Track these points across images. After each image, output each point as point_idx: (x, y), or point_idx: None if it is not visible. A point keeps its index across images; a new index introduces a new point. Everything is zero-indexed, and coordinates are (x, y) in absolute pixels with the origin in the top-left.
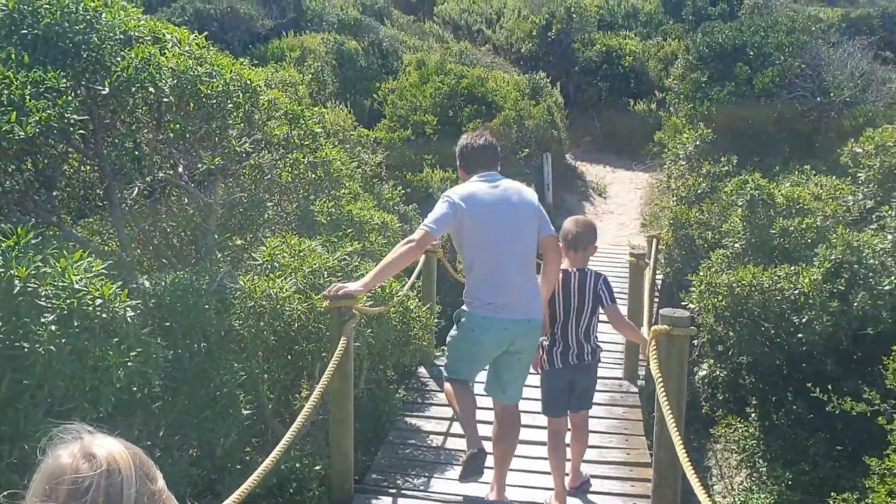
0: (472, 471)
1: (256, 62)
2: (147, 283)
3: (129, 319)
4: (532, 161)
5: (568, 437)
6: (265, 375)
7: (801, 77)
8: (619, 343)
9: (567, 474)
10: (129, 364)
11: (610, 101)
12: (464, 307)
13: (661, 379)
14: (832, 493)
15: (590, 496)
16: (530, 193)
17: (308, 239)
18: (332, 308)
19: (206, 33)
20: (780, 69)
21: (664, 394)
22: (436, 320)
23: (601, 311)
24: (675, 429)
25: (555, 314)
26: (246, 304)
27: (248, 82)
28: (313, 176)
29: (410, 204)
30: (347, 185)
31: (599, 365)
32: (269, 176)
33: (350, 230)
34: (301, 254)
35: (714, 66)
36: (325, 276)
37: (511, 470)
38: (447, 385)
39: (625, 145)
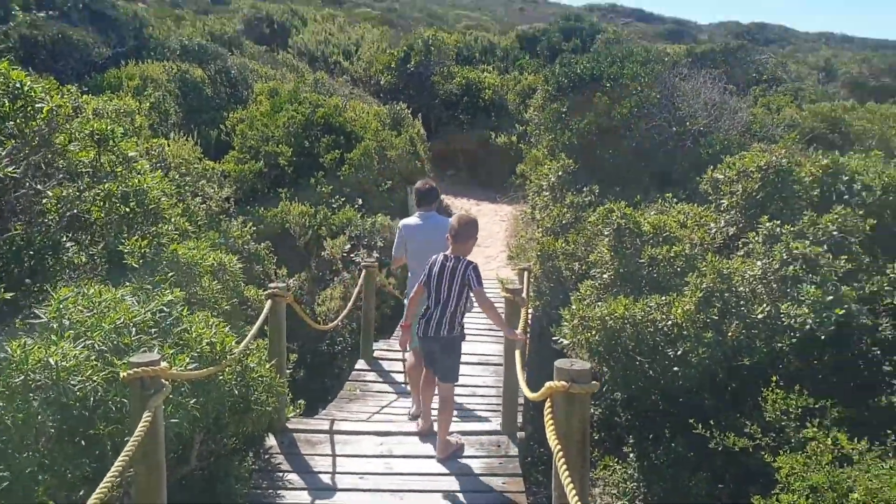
0: None
1: (87, 91)
2: None
3: None
4: (395, 194)
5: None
6: (43, 476)
7: (658, 107)
8: (495, 387)
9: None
10: None
11: (472, 134)
12: None
13: (560, 449)
14: None
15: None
16: (445, 222)
17: (114, 287)
18: (130, 380)
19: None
20: (638, 99)
21: (565, 467)
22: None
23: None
24: None
25: (430, 291)
26: (12, 380)
27: (19, 85)
28: (125, 210)
29: (263, 242)
30: (173, 220)
31: (473, 415)
32: (74, 210)
33: (172, 274)
34: (101, 306)
35: (573, 97)
36: (134, 333)
37: None
38: None
39: (488, 177)
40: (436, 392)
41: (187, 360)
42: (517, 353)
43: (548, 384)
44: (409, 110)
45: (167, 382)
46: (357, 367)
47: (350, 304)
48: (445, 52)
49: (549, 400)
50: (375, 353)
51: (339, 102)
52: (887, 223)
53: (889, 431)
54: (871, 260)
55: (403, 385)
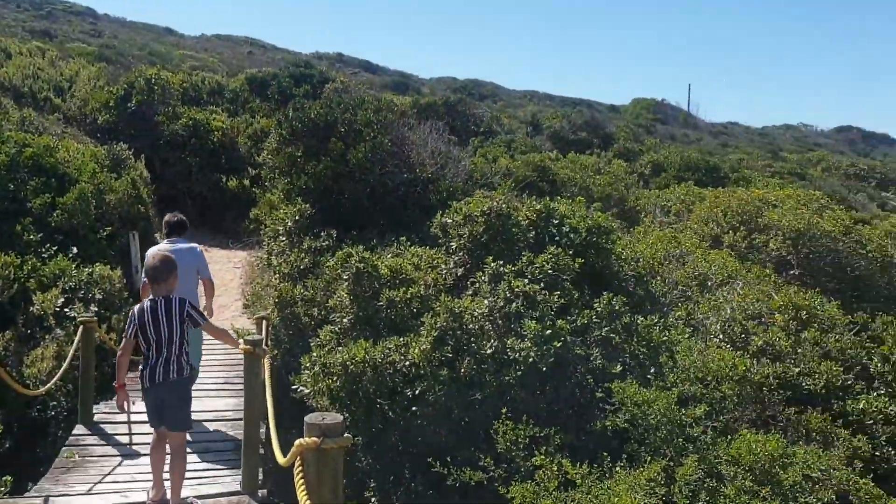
0: None
1: None
2: None
3: None
4: (116, 241)
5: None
6: None
7: (391, 154)
8: (233, 441)
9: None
10: None
11: (201, 177)
12: None
13: None
14: None
15: None
16: (195, 249)
17: None
18: None
19: None
20: (372, 146)
21: None
22: None
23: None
24: None
25: (147, 340)
26: None
27: None
28: None
29: None
30: None
31: (209, 475)
32: None
33: None
34: None
35: (308, 142)
36: None
37: None
38: None
39: (219, 222)
40: (167, 451)
41: None
42: (269, 407)
43: (298, 442)
44: (131, 151)
45: None
46: (75, 432)
47: (66, 364)
48: (170, 92)
49: (298, 458)
50: (96, 417)
51: (49, 142)
52: (592, 261)
53: (605, 453)
54: (580, 295)
55: (129, 447)
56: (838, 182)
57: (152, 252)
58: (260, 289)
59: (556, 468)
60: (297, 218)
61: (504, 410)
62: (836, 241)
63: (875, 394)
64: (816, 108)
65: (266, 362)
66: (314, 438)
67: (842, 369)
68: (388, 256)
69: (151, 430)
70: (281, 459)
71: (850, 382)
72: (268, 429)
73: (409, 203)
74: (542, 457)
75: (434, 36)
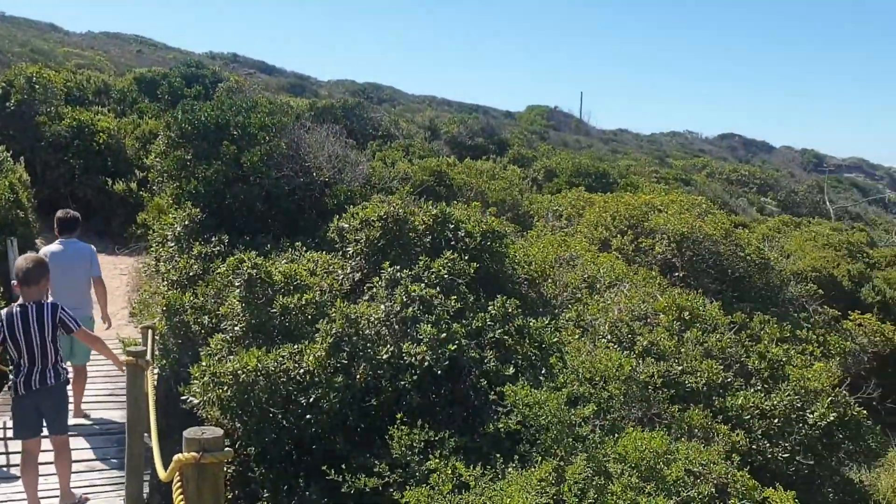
0: None
1: None
2: None
3: None
4: None
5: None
6: None
7: (286, 158)
8: (118, 455)
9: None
10: None
11: (85, 180)
12: None
13: None
14: None
15: None
16: (88, 248)
17: None
18: None
19: None
20: (267, 149)
21: None
22: None
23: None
24: None
25: (18, 348)
26: None
27: None
28: None
29: None
30: None
31: (93, 493)
32: None
33: None
34: None
35: (199, 144)
36: None
37: None
38: None
39: (105, 227)
40: (39, 473)
41: None
42: (152, 421)
43: (176, 457)
44: (10, 153)
45: None
46: None
47: None
48: (53, 91)
49: (177, 474)
50: None
51: None
52: (487, 265)
53: (498, 454)
54: (475, 298)
55: (6, 469)
56: (720, 187)
57: (29, 255)
58: (147, 296)
59: (450, 471)
60: (186, 223)
61: (400, 415)
62: (718, 244)
63: (752, 390)
64: (701, 115)
65: (150, 374)
66: (193, 453)
67: (722, 367)
68: (283, 262)
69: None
70: (162, 474)
71: (729, 380)
72: (137, 438)
73: (305, 207)
74: (437, 460)
75: (333, 38)
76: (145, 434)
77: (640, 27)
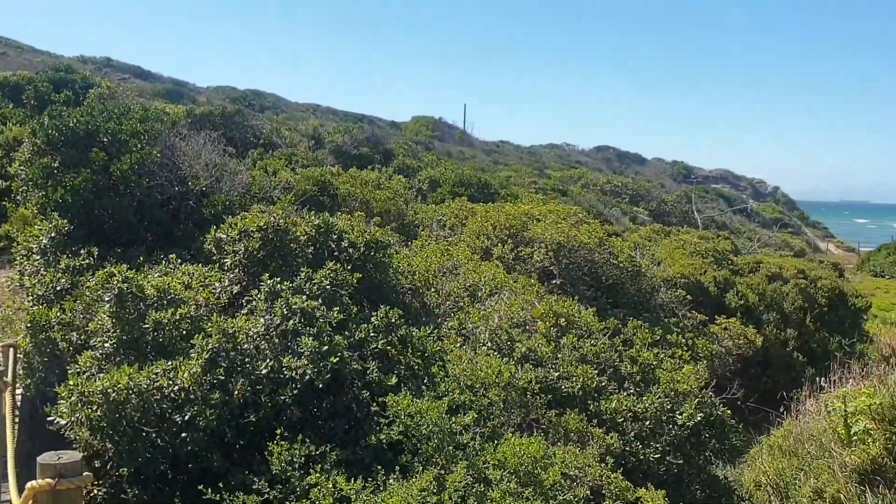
0: None
1: None
2: None
3: None
4: None
5: None
6: None
7: (160, 166)
8: None
9: None
10: None
11: None
12: None
13: None
14: None
15: None
16: None
17: None
18: None
19: None
20: (139, 157)
21: None
22: None
23: None
24: None
25: None
26: None
27: None
28: None
29: None
30: None
31: None
32: None
33: None
34: None
35: (66, 152)
36: None
37: None
38: None
39: None
40: None
41: None
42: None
43: (30, 485)
44: None
45: None
46: None
47: None
48: None
49: (31, 502)
50: None
51: None
52: (370, 275)
53: (380, 466)
54: (358, 309)
55: None
56: (595, 197)
57: None
58: (11, 312)
59: (331, 485)
60: (53, 234)
61: (279, 431)
62: (593, 253)
63: (625, 393)
64: (578, 129)
65: (7, 396)
66: (48, 480)
67: (596, 372)
68: (156, 275)
69: None
70: (16, 502)
71: (603, 384)
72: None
73: (181, 218)
74: (318, 475)
75: (214, 43)
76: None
77: (522, 42)
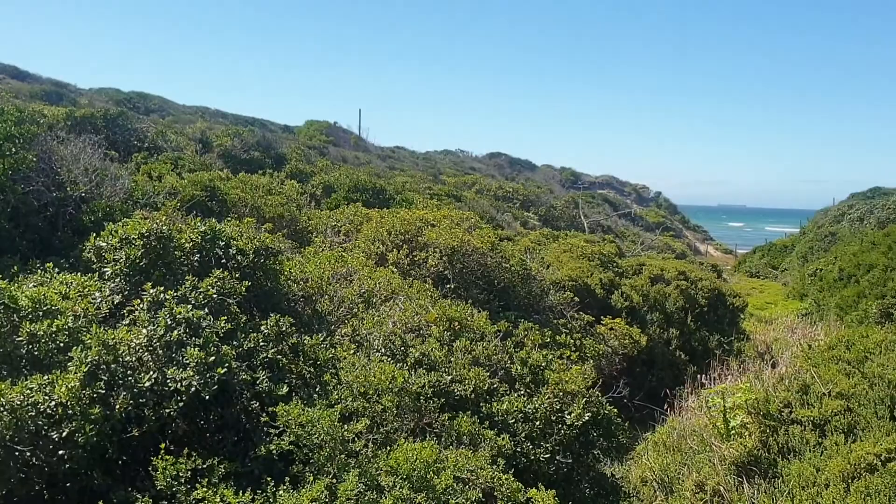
0: None
1: None
2: None
3: None
4: None
5: None
6: None
7: (37, 171)
8: None
9: None
10: None
11: None
12: None
13: None
14: None
15: None
16: None
17: None
18: None
19: None
20: (13, 161)
21: None
22: None
23: None
24: None
25: None
26: None
27: None
28: None
29: None
30: None
31: None
32: None
33: None
34: None
35: None
36: None
37: None
38: None
39: None
40: None
41: None
42: None
43: None
44: None
45: None
46: None
47: None
48: None
49: None
50: None
51: None
52: (261, 283)
53: (269, 478)
54: (248, 318)
55: None
56: (488, 203)
57: None
58: None
59: (218, 499)
60: None
61: (164, 445)
62: (485, 257)
63: (516, 395)
64: (472, 135)
65: None
66: None
67: (488, 374)
68: (31, 285)
69: None
70: None
71: (495, 386)
72: None
73: (59, 225)
74: (205, 489)
75: (96, 43)
76: None
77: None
